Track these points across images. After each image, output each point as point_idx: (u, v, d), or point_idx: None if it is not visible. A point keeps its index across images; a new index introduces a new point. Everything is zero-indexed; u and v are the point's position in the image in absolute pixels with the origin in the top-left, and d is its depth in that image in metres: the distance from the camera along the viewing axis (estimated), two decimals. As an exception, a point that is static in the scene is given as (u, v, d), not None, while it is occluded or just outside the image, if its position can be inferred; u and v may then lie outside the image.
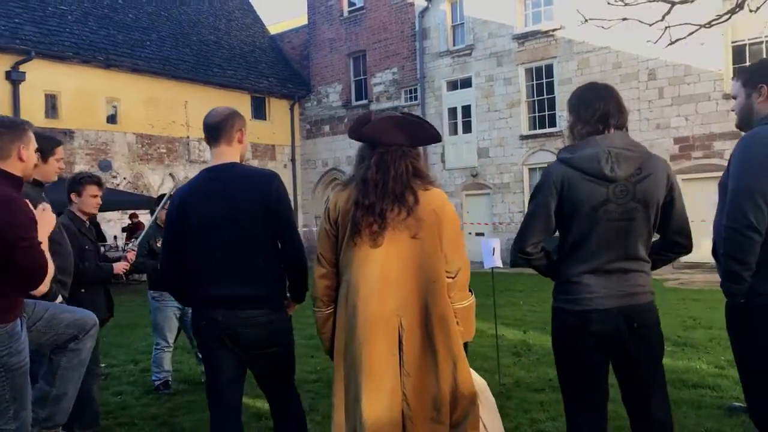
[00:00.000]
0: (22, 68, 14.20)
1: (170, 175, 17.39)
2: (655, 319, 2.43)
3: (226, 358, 2.66)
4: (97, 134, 15.88)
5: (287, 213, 2.67)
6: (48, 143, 3.34)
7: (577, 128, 2.46)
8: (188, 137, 17.75)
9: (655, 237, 2.52)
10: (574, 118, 2.47)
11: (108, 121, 16.16)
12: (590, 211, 2.33)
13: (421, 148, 2.59)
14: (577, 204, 2.35)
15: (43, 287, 2.65)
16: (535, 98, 16.14)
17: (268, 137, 20.01)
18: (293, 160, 20.93)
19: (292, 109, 21.03)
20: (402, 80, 18.76)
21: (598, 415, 2.45)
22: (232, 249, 2.59)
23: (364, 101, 19.58)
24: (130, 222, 15.39)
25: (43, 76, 14.53)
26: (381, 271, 2.34)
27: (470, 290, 2.58)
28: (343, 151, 19.43)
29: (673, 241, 2.49)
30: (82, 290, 3.66)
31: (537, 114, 16.16)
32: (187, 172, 17.08)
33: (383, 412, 2.30)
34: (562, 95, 14.68)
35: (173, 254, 2.72)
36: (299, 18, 22.83)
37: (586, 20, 7.54)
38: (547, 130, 15.80)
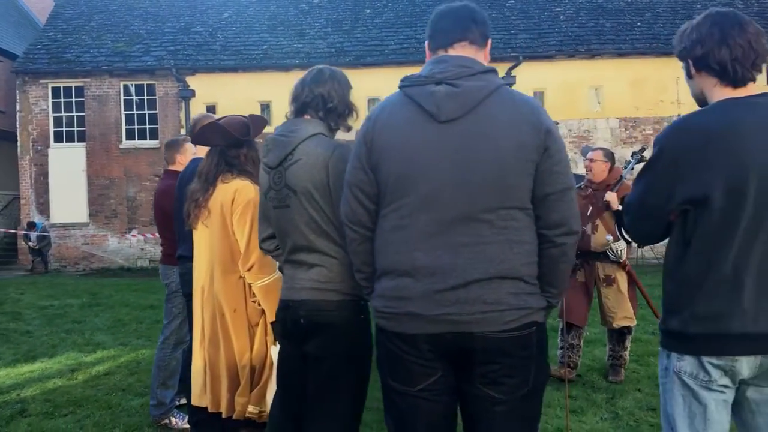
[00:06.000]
0: (513, 72, 16.50)
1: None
2: (332, 321, 2.19)
3: None
4: (579, 123, 16.82)
5: None
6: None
7: None
8: (679, 116, 16.55)
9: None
10: None
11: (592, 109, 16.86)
12: (264, 199, 2.39)
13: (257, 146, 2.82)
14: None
15: None
16: None
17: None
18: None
19: (830, 66, 16.58)
20: None
21: (289, 411, 2.28)
22: None
23: None
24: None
25: (530, 76, 16.43)
26: (196, 249, 2.83)
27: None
28: None
29: None
30: None
31: None
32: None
33: (197, 360, 2.80)
34: None
35: None
36: None
37: None
38: None
